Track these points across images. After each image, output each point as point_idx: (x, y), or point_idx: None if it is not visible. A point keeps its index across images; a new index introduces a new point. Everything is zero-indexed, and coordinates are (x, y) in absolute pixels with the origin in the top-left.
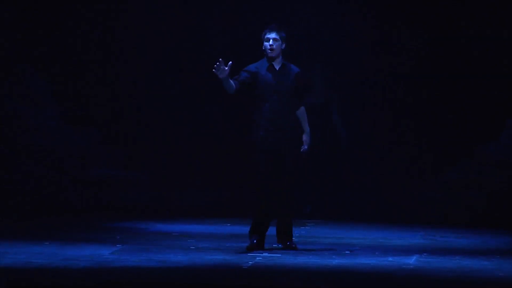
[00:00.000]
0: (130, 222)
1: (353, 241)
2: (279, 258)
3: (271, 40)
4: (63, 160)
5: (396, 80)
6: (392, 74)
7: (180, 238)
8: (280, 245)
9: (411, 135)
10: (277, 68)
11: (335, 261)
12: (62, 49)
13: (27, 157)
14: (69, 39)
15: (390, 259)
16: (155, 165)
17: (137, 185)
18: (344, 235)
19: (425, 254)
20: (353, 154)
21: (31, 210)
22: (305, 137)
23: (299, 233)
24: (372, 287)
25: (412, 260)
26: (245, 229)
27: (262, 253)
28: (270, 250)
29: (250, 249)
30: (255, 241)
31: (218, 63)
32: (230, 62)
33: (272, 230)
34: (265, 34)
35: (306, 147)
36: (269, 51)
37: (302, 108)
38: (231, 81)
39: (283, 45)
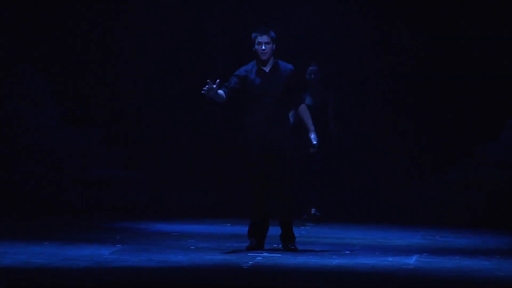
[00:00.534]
0: (130, 222)
1: (353, 241)
2: (279, 258)
3: (263, 45)
4: (63, 160)
5: (396, 80)
6: (392, 74)
7: (180, 238)
8: (280, 245)
9: (411, 135)
10: (268, 70)
11: (335, 261)
12: (62, 49)
13: (27, 157)
14: (69, 39)
15: (390, 259)
16: (155, 165)
17: (137, 185)
18: (344, 235)
19: (425, 254)
20: (353, 154)
21: (31, 210)
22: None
23: (299, 233)
24: (372, 287)
25: (412, 260)
26: (245, 229)
27: (262, 253)
28: (270, 250)
29: (250, 249)
30: (254, 241)
31: (207, 85)
32: (218, 80)
33: (272, 231)
34: (256, 38)
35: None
36: (262, 54)
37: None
38: (220, 91)
39: (274, 46)
